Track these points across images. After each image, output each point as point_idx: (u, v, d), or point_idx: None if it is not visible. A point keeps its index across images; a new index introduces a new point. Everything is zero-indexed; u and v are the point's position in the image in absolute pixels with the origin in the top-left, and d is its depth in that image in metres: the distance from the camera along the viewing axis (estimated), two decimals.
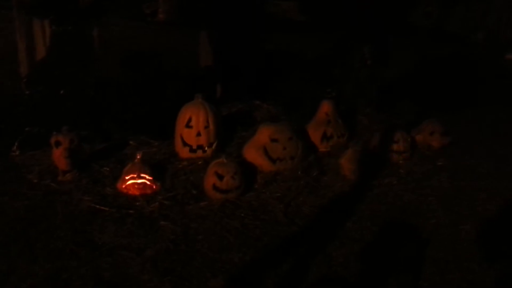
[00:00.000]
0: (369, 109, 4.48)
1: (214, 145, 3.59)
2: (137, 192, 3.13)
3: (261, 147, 3.48)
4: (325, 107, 3.87)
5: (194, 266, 2.52)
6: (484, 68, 5.83)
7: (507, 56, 5.95)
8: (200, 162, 3.48)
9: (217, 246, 2.69)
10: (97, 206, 2.99)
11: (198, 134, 3.53)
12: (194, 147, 3.55)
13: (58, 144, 3.25)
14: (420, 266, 2.60)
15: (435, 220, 3.04)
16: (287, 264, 2.57)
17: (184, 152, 3.56)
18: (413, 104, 4.81)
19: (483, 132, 4.42)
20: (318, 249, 2.70)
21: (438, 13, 10.44)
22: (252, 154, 3.50)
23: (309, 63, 5.35)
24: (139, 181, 3.14)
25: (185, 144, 3.55)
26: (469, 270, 2.58)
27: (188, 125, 3.52)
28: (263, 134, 3.50)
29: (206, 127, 3.53)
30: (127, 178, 3.16)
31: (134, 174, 3.15)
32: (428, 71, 5.82)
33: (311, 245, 2.75)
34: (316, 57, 5.54)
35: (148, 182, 3.16)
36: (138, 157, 3.23)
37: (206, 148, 3.57)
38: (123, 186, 3.16)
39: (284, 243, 2.76)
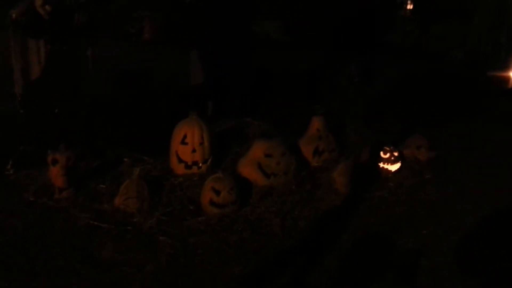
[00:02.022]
0: (357, 125, 4.60)
1: (209, 161, 3.65)
2: (134, 208, 3.17)
3: (255, 162, 3.55)
4: (316, 123, 3.97)
5: (195, 279, 2.57)
6: (466, 85, 6.02)
7: (488, 73, 6.17)
8: (195, 178, 3.54)
9: (217, 259, 2.74)
10: (95, 223, 3.02)
11: (193, 151, 3.59)
12: (190, 163, 3.60)
13: (55, 162, 3.27)
14: (414, 275, 2.68)
15: (426, 231, 3.14)
16: (285, 275, 2.64)
17: (179, 169, 3.62)
18: (398, 120, 4.94)
19: (466, 146, 4.57)
20: (315, 260, 2.77)
21: (419, 32, 10.76)
22: (247, 169, 3.57)
23: (297, 80, 5.47)
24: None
25: (180, 160, 3.61)
26: (461, 280, 2.67)
27: (183, 142, 3.58)
28: (257, 149, 3.58)
29: (201, 143, 3.59)
30: (124, 194, 3.21)
31: (133, 190, 3.19)
32: (412, 88, 5.99)
33: (308, 257, 2.82)
34: (304, 75, 5.66)
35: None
36: (136, 173, 3.28)
37: (201, 164, 3.63)
38: (121, 203, 3.20)
39: (282, 255, 2.82)
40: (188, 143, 3.58)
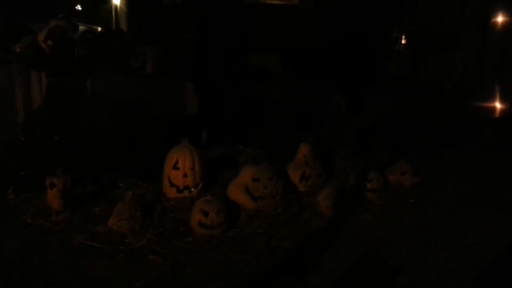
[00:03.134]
0: (345, 152, 4.77)
1: (200, 185, 3.82)
2: (127, 229, 3.32)
3: (243, 186, 3.72)
4: (303, 150, 4.16)
5: None
6: (454, 114, 6.23)
7: (475, 103, 6.38)
8: (186, 202, 3.70)
9: (204, 277, 2.87)
10: (89, 243, 3.17)
11: (185, 175, 3.77)
12: (181, 187, 3.78)
13: (52, 186, 3.45)
14: None
15: (406, 251, 3.26)
16: None
17: (171, 192, 3.79)
18: (386, 147, 5.12)
19: (450, 172, 4.73)
20: (297, 278, 2.90)
21: (413, 65, 11.10)
22: (235, 193, 3.74)
23: (288, 109, 5.69)
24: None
25: (172, 185, 3.78)
26: None
27: (175, 167, 3.77)
28: (246, 174, 3.76)
29: (192, 168, 3.77)
30: (117, 216, 3.36)
31: (125, 212, 3.35)
32: (402, 117, 6.21)
33: (290, 275, 2.94)
34: (295, 104, 5.89)
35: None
36: (129, 196, 3.44)
37: (192, 189, 3.80)
38: (114, 223, 3.35)
39: (266, 273, 2.95)
40: (179, 168, 3.76)
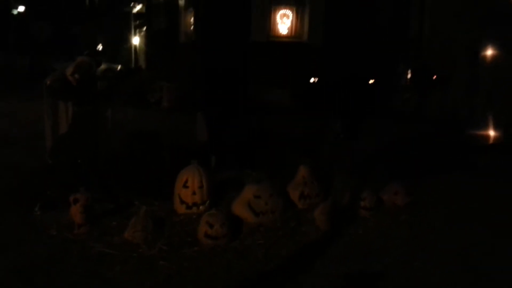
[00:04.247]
0: (342, 175, 5.12)
1: (207, 202, 4.22)
2: (140, 240, 3.71)
3: (246, 202, 4.11)
4: (303, 171, 4.55)
5: None
6: (448, 143, 6.56)
7: (469, 131, 6.71)
8: (194, 217, 4.08)
9: (206, 278, 3.23)
10: (106, 250, 3.57)
11: (194, 193, 4.17)
12: (190, 204, 4.18)
13: (76, 201, 3.88)
14: None
15: (392, 261, 3.57)
16: None
17: (181, 209, 4.19)
18: (383, 172, 5.46)
19: (442, 194, 5.05)
20: (291, 280, 3.23)
21: (417, 98, 11.49)
22: (238, 208, 4.12)
23: (292, 139, 6.11)
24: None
25: (182, 202, 4.19)
26: None
27: (185, 186, 4.18)
28: (248, 192, 4.15)
29: (200, 187, 4.18)
30: (132, 228, 3.77)
31: (139, 224, 3.75)
32: (399, 145, 6.56)
33: (285, 277, 3.28)
34: (299, 133, 6.31)
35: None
36: (143, 211, 3.85)
37: (200, 206, 4.19)
38: (129, 235, 3.75)
39: (263, 276, 3.30)
40: (189, 187, 4.17)
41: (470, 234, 4.10)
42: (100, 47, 26.91)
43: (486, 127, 6.68)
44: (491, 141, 6.72)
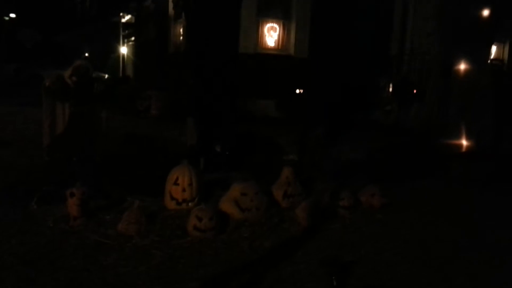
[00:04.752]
0: (323, 177, 5.46)
1: (196, 199, 4.50)
2: (133, 231, 3.97)
3: (233, 199, 4.40)
4: (286, 172, 4.86)
5: (177, 276, 3.33)
6: (423, 151, 6.95)
7: (443, 141, 7.12)
8: (184, 212, 4.34)
9: (196, 265, 3.51)
10: (102, 240, 3.82)
11: (183, 190, 4.45)
12: (180, 200, 4.45)
13: (72, 195, 4.13)
14: (348, 278, 3.41)
15: (364, 252, 3.89)
16: (248, 275, 3.41)
17: (171, 205, 4.46)
18: (364, 176, 5.80)
19: (414, 197, 5.44)
20: (273, 267, 3.52)
21: (398, 111, 11.93)
22: (226, 205, 4.41)
23: (277, 143, 6.43)
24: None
25: (172, 198, 4.46)
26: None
27: (175, 183, 4.46)
28: (235, 190, 4.44)
29: (190, 184, 4.46)
30: (126, 221, 4.02)
31: (133, 217, 4.01)
32: (377, 153, 6.94)
33: (267, 265, 3.57)
34: (284, 139, 6.64)
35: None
36: (136, 205, 4.12)
37: (189, 202, 4.47)
38: (123, 227, 4.00)
39: (247, 263, 3.59)
40: (179, 184, 4.45)
41: (436, 230, 4.49)
42: (86, 55, 27.07)
43: (459, 136, 7.10)
44: (463, 149, 7.14)
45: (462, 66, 7.26)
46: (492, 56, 13.61)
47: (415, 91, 11.21)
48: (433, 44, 8.21)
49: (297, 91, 12.54)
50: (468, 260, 3.85)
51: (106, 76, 18.99)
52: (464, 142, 7.13)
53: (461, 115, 7.25)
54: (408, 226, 4.57)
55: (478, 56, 7.15)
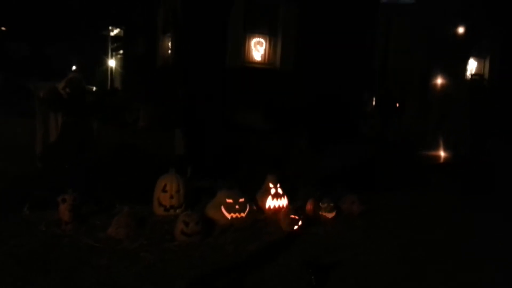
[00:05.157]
0: (307, 187, 5.69)
1: (183, 205, 4.70)
2: (123, 235, 4.15)
3: (219, 205, 4.60)
4: (270, 180, 5.09)
5: (166, 276, 3.51)
6: (403, 162, 7.24)
7: (422, 152, 7.42)
8: (172, 218, 4.54)
9: (183, 266, 3.69)
10: (93, 243, 3.99)
11: (171, 197, 4.65)
12: (168, 207, 4.65)
13: (64, 201, 4.30)
14: (326, 280, 3.62)
15: (342, 255, 4.10)
16: (233, 275, 3.60)
17: (159, 211, 4.65)
18: (345, 185, 6.04)
19: (393, 205, 5.70)
20: (257, 269, 3.73)
21: (381, 124, 12.27)
22: (212, 211, 4.61)
23: (263, 153, 6.66)
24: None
25: (160, 204, 4.66)
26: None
27: (163, 190, 4.66)
28: (221, 196, 4.66)
29: (178, 191, 4.67)
30: (116, 225, 4.20)
31: (123, 221, 4.19)
32: (362, 164, 7.20)
33: (251, 266, 3.77)
34: (269, 149, 6.88)
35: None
36: (126, 210, 4.30)
37: (177, 208, 4.66)
38: (113, 231, 4.18)
39: (233, 265, 3.78)
40: (167, 191, 4.65)
41: (411, 235, 4.75)
42: (74, 67, 27.18)
43: (437, 148, 7.40)
44: (441, 160, 7.44)
45: (439, 81, 7.60)
46: (473, 72, 14.13)
47: (397, 104, 11.59)
48: (412, 60, 8.58)
49: (283, 103, 12.83)
50: (443, 261, 4.11)
51: (94, 88, 19.15)
52: (442, 153, 7.43)
53: (439, 127, 7.57)
54: (386, 231, 4.81)
55: (454, 71, 7.50)
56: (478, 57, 13.99)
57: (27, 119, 6.35)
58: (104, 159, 5.46)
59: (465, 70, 8.05)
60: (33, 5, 23.50)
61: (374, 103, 13.61)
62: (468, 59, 10.03)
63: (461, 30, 7.35)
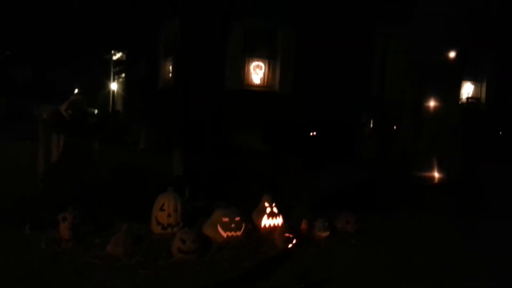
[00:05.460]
0: (302, 208, 5.80)
1: (181, 224, 4.80)
2: (121, 253, 4.25)
3: (215, 224, 4.72)
4: (265, 200, 5.21)
5: None
6: (397, 183, 7.35)
7: (416, 173, 7.56)
8: (169, 236, 4.64)
9: (179, 282, 3.80)
10: (92, 260, 4.10)
11: (169, 216, 4.77)
12: (165, 225, 4.76)
13: (64, 219, 4.42)
14: None
15: (337, 272, 4.22)
16: None
17: (157, 229, 4.76)
18: (341, 204, 6.14)
19: (386, 225, 5.81)
20: (251, 284, 3.83)
21: (379, 146, 12.41)
22: (208, 229, 4.73)
23: (259, 174, 6.78)
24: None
25: (158, 223, 4.77)
26: None
27: (161, 209, 4.78)
28: (217, 215, 4.77)
29: (175, 210, 4.78)
30: (114, 243, 4.31)
31: (121, 239, 4.31)
32: (358, 185, 7.32)
33: (246, 282, 3.87)
34: (266, 170, 7.00)
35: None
36: (124, 228, 4.42)
37: (174, 227, 4.77)
38: (111, 249, 4.29)
39: (229, 281, 3.89)
40: (165, 210, 4.77)
41: (403, 253, 4.87)
42: (76, 91, 27.51)
43: (431, 169, 7.54)
44: (435, 182, 7.57)
45: (432, 104, 7.80)
46: (470, 95, 14.35)
47: (394, 127, 11.76)
48: (408, 83, 8.80)
49: (282, 125, 13.02)
50: (434, 279, 4.20)
51: (96, 111, 19.41)
52: (436, 175, 7.57)
53: (432, 149, 7.73)
54: (379, 249, 4.91)
55: (446, 95, 7.72)
56: (475, 81, 14.27)
57: (30, 143, 6.52)
58: (104, 179, 5.59)
59: (457, 93, 8.27)
60: (37, 30, 23.96)
61: (371, 125, 13.79)
62: (460, 82, 10.27)
63: (452, 54, 7.59)
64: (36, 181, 5.47)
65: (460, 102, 13.41)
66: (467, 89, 14.36)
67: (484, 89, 14.44)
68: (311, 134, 11.95)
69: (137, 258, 4.21)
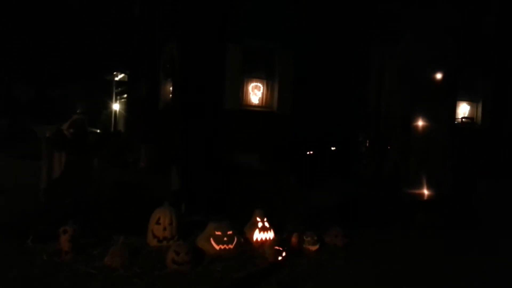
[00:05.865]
0: (294, 221, 6.02)
1: (176, 237, 5.02)
2: (118, 264, 4.47)
3: (208, 237, 4.94)
4: (257, 214, 5.44)
5: None
6: (389, 200, 7.56)
7: (406, 190, 7.78)
8: (164, 249, 4.85)
9: None
10: (90, 271, 4.32)
11: (164, 229, 4.99)
12: (161, 238, 4.98)
13: (65, 232, 4.65)
14: None
15: (324, 281, 4.42)
16: None
17: (153, 242, 4.98)
18: (332, 219, 6.35)
19: (375, 239, 6.02)
20: None
21: (375, 165, 12.62)
22: (202, 242, 4.94)
23: (254, 191, 7.01)
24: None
25: (154, 236, 4.99)
26: None
27: (157, 222, 5.01)
28: (210, 228, 5.00)
29: (170, 224, 5.01)
30: (111, 255, 4.53)
31: (118, 251, 4.53)
32: (350, 202, 7.54)
33: None
34: (261, 188, 7.23)
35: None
36: (121, 240, 4.64)
37: (169, 240, 4.99)
38: (109, 260, 4.50)
39: None
40: (161, 224, 5.00)
41: (389, 266, 5.06)
42: (78, 111, 27.89)
43: (421, 187, 7.76)
44: (425, 198, 7.78)
45: (420, 123, 8.07)
46: (466, 115, 14.62)
47: (389, 147, 12.00)
48: (398, 102, 9.10)
49: (280, 145, 13.27)
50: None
51: (98, 131, 19.72)
52: (426, 192, 7.79)
53: (422, 167, 7.96)
54: (367, 261, 5.12)
55: (435, 114, 7.99)
56: (471, 101, 14.59)
57: (32, 161, 6.78)
58: (104, 194, 5.83)
59: (446, 112, 8.53)
60: (42, 51, 24.46)
61: (367, 144, 14.01)
62: (451, 102, 10.56)
63: (439, 75, 7.89)
64: (38, 197, 5.72)
65: (456, 122, 13.75)
66: (463, 109, 14.64)
67: (480, 110, 14.74)
68: (307, 153, 12.19)
69: (134, 269, 4.42)
